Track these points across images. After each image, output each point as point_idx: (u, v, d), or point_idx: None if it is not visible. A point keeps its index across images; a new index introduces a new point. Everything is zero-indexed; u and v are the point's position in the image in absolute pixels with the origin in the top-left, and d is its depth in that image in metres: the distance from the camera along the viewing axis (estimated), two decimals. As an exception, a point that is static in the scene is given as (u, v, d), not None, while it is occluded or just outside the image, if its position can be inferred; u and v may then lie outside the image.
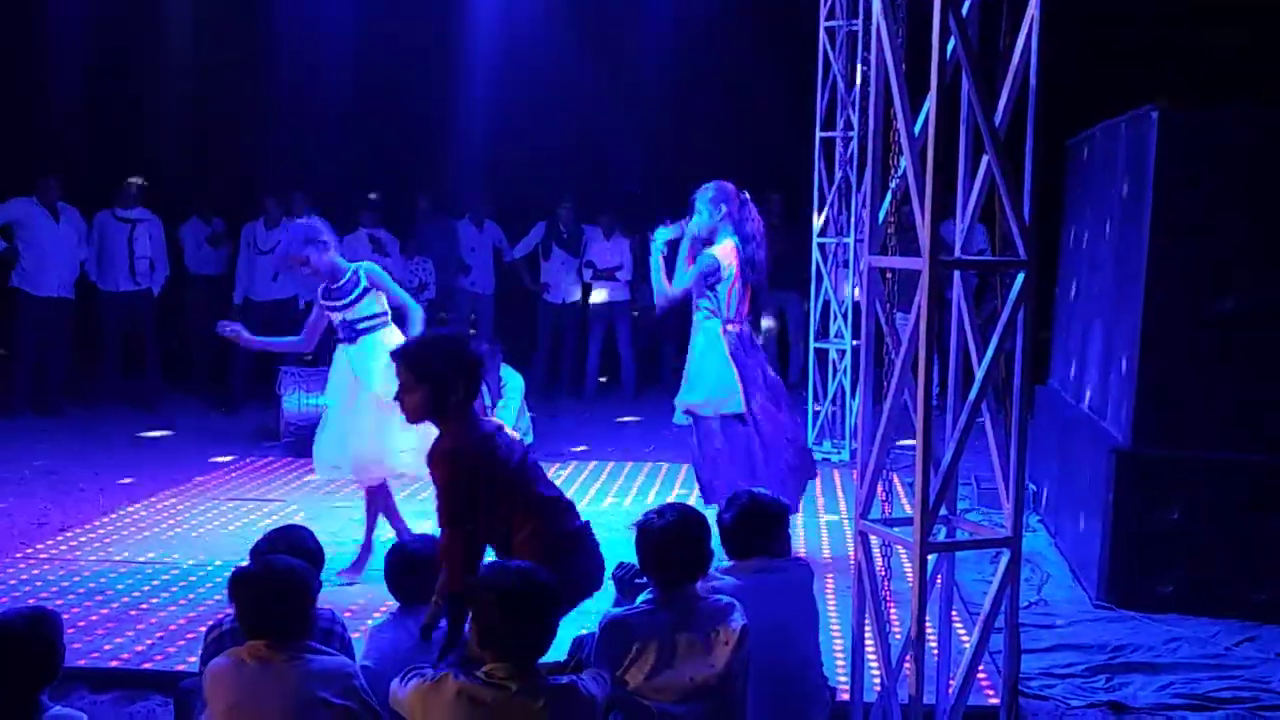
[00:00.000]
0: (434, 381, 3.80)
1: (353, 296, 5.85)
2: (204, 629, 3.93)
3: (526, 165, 12.63)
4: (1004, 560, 3.60)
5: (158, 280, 10.56)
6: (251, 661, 3.32)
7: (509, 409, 9.07)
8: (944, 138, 3.44)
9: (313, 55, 12.52)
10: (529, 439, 9.19)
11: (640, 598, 3.65)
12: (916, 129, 3.56)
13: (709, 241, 6.10)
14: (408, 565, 4.07)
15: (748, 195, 6.21)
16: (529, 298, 11.67)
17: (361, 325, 5.86)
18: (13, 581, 5.78)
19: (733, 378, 6.01)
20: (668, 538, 3.53)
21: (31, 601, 5.36)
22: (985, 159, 3.60)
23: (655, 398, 10.41)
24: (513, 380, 9.18)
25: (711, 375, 6.06)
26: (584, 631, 3.98)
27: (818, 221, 8.98)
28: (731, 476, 5.88)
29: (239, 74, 12.84)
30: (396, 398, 3.88)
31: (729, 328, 6.07)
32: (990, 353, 3.48)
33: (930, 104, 3.49)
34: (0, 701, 3.20)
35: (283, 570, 3.42)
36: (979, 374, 3.49)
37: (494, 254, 11.62)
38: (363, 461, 5.89)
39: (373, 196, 10.92)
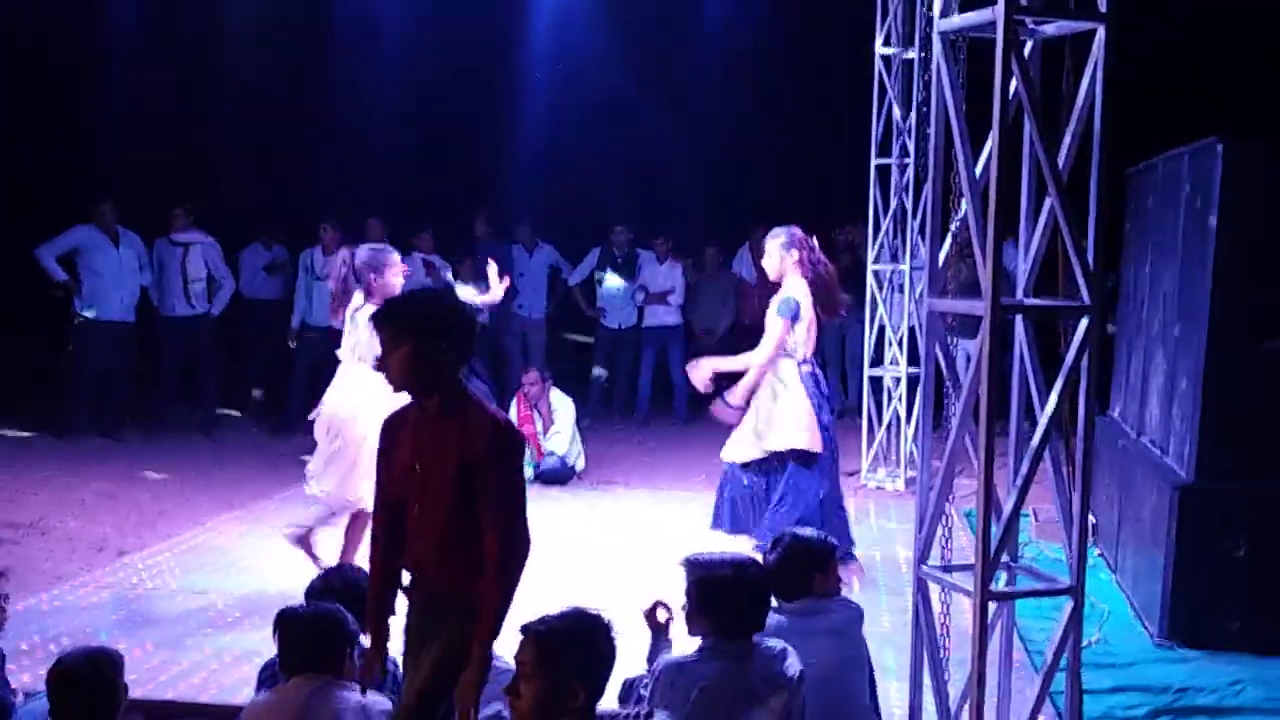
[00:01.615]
0: (421, 335, 3.35)
1: None
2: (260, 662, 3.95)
3: (581, 189, 12.67)
4: (1066, 609, 3.53)
5: (220, 301, 10.66)
6: (289, 697, 3.33)
7: (561, 434, 9.07)
8: (1005, 179, 3.38)
9: (371, 81, 12.64)
10: (580, 465, 9.19)
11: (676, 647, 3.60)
12: (978, 171, 3.51)
13: (778, 284, 6.30)
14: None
15: (815, 241, 6.36)
16: (584, 322, 11.67)
17: None
18: (69, 607, 5.84)
19: (810, 416, 6.12)
20: (746, 591, 3.50)
21: (88, 630, 5.42)
22: (1048, 201, 3.54)
23: (708, 424, 10.34)
24: (564, 406, 9.17)
25: (789, 414, 6.13)
26: (632, 675, 3.94)
27: (872, 249, 8.92)
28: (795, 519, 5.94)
29: (299, 100, 12.98)
30: (377, 367, 3.46)
31: (803, 368, 6.21)
32: (1054, 402, 3.41)
33: (992, 145, 3.44)
34: None
35: (329, 615, 3.44)
36: (1042, 421, 3.42)
37: (547, 278, 11.62)
38: None
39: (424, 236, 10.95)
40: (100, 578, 6.35)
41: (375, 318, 3.43)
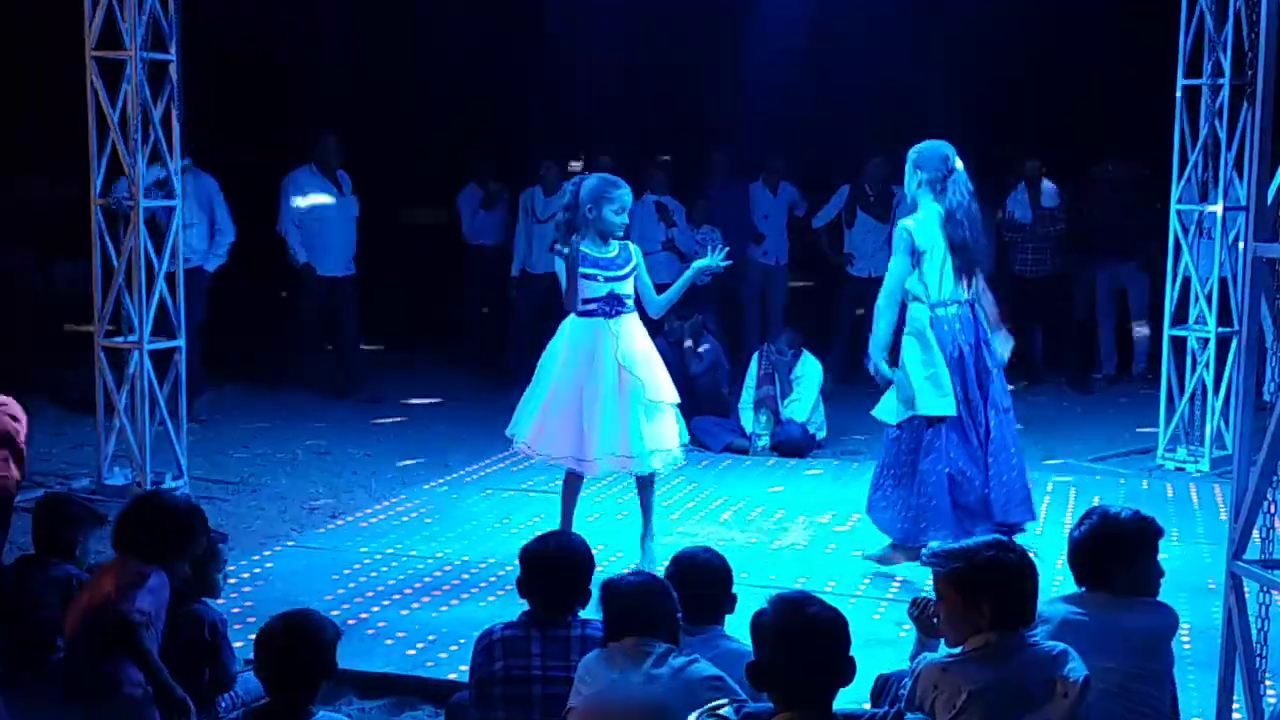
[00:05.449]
0: None
1: (628, 269, 5.97)
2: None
3: (829, 121, 12.46)
4: None
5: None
6: (620, 658, 3.48)
7: (803, 401, 8.96)
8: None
9: (591, 8, 12.71)
10: (822, 434, 9.06)
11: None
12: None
13: (910, 211, 6.02)
14: (689, 580, 4.02)
15: (959, 163, 5.96)
16: (830, 271, 11.49)
17: (628, 302, 5.97)
18: (280, 570, 6.11)
19: (943, 374, 5.83)
20: (1026, 577, 3.38)
21: (300, 596, 5.65)
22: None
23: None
24: (811, 369, 9.06)
25: (916, 372, 5.86)
26: (888, 671, 3.86)
27: (1177, 185, 8.40)
28: (927, 495, 5.82)
29: (516, 34, 13.20)
30: None
31: (939, 310, 5.89)
32: None
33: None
34: (275, 705, 3.41)
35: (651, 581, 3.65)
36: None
37: (789, 220, 11.49)
38: (619, 454, 5.94)
39: (665, 158, 10.97)
40: (312, 541, 6.63)
41: None
